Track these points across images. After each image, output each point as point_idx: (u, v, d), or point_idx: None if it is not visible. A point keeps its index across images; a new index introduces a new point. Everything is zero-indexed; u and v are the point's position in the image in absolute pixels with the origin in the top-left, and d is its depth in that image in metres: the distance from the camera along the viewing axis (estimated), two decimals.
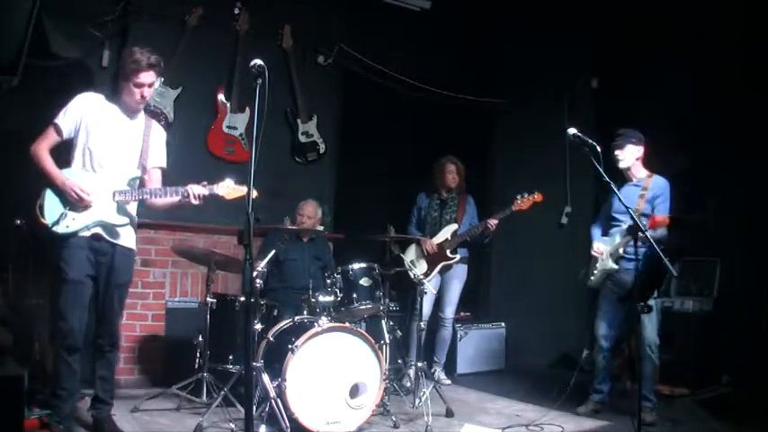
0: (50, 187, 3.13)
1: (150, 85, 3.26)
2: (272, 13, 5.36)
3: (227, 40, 5.16)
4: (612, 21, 5.64)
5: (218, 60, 5.16)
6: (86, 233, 3.17)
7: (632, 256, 3.99)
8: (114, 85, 3.75)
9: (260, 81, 2.58)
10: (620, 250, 4.09)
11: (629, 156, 4.14)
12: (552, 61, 6.02)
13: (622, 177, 4.19)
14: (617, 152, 4.13)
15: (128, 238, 3.34)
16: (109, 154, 3.23)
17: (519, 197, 4.77)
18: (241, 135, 5.17)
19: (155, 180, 3.44)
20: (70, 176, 3.14)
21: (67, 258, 3.13)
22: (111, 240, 3.25)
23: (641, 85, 5.52)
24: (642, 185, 4.13)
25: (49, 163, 3.14)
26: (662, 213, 3.99)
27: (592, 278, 4.24)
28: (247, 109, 5.19)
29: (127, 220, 3.30)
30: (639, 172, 4.17)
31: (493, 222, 4.86)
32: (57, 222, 3.10)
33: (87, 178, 3.18)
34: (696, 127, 5.14)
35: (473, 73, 6.36)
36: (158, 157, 3.45)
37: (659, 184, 4.12)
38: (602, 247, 4.22)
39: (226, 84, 5.15)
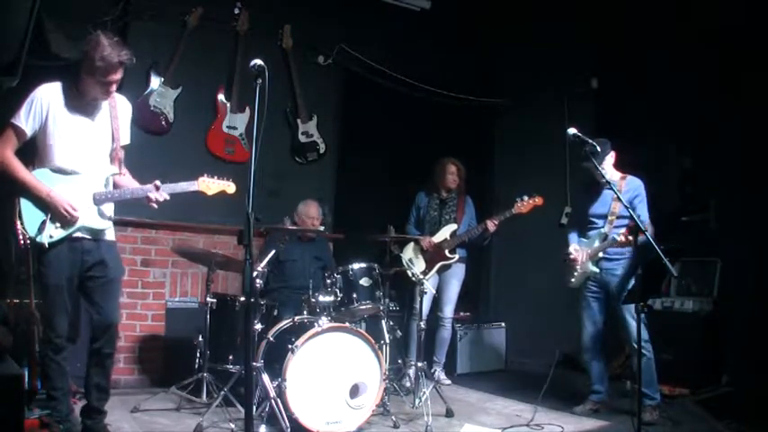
0: (26, 197, 2.98)
1: (117, 81, 3.05)
2: (272, 13, 5.37)
3: (227, 40, 5.16)
4: (612, 21, 5.64)
5: (218, 60, 5.16)
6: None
7: (614, 257, 4.07)
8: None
9: (260, 81, 2.58)
10: (600, 253, 4.11)
11: (609, 166, 4.13)
12: (552, 61, 6.02)
13: (594, 181, 4.14)
14: (600, 169, 4.02)
15: (109, 233, 3.22)
16: (83, 157, 3.08)
17: (519, 200, 4.76)
18: (241, 135, 5.17)
19: (120, 161, 3.27)
20: (45, 182, 2.98)
21: (47, 262, 3.01)
22: (95, 238, 3.13)
23: (641, 85, 5.52)
24: (615, 187, 4.10)
25: (24, 172, 2.98)
26: (642, 213, 3.97)
27: (572, 280, 4.25)
28: (247, 109, 5.19)
29: (110, 223, 3.19)
30: (613, 175, 4.13)
31: (492, 223, 4.87)
32: (39, 232, 2.96)
33: (66, 185, 3.03)
34: (696, 127, 5.15)
35: (473, 73, 6.36)
36: (125, 134, 3.28)
37: (633, 184, 4.12)
38: (578, 248, 4.22)
39: (226, 84, 5.15)
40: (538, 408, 4.10)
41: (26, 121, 2.99)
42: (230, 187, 3.40)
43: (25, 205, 2.99)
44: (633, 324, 3.94)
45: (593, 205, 4.20)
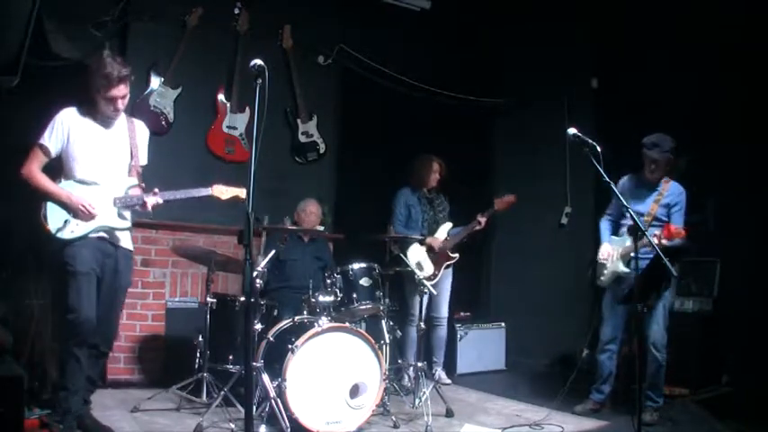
0: (51, 201, 3.17)
1: (123, 97, 3.24)
2: (272, 13, 5.37)
3: (227, 41, 5.16)
4: (612, 21, 5.64)
5: (218, 60, 5.16)
6: (93, 235, 3.24)
7: (646, 257, 3.87)
8: None
9: (260, 81, 2.59)
10: (632, 253, 4.04)
11: (665, 165, 4.08)
12: (552, 61, 6.02)
13: (636, 177, 4.15)
14: (659, 161, 4.04)
15: (126, 239, 3.42)
16: (102, 169, 3.27)
17: (496, 198, 4.88)
18: (241, 135, 5.18)
19: (139, 173, 3.47)
20: (71, 190, 3.19)
21: (73, 254, 3.16)
22: (114, 243, 3.32)
23: (641, 85, 5.52)
24: (659, 190, 4.10)
25: (46, 182, 3.19)
26: (677, 222, 3.95)
27: (602, 278, 4.20)
28: (247, 109, 5.19)
29: (128, 223, 3.38)
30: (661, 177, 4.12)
31: (483, 219, 4.90)
32: (61, 229, 3.15)
33: (87, 191, 3.22)
34: (696, 127, 5.14)
35: (473, 73, 6.35)
36: (143, 156, 3.48)
37: (676, 191, 4.10)
38: (609, 249, 4.17)
39: (226, 84, 5.15)
40: (539, 407, 4.10)
41: (50, 141, 3.21)
42: (243, 192, 3.47)
43: (51, 207, 3.18)
44: (654, 327, 3.96)
45: (632, 202, 4.02)
